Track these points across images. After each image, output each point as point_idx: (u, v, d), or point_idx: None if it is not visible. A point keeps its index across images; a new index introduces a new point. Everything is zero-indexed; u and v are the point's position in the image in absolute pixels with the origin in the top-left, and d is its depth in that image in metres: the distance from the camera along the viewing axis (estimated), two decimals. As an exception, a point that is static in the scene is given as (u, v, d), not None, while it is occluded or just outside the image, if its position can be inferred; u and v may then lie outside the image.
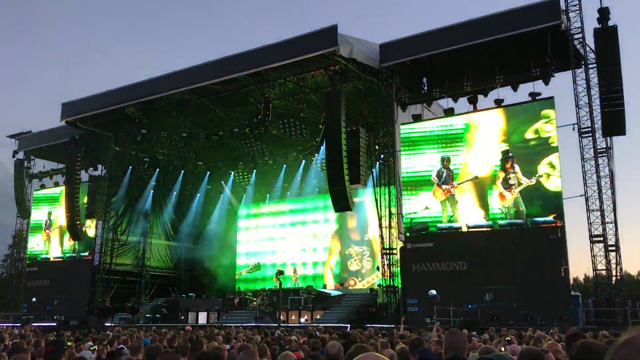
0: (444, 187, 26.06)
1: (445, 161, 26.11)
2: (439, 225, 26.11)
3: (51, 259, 39.13)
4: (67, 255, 38.15)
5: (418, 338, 6.81)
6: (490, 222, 24.92)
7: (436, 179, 26.24)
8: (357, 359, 2.00)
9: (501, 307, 22.84)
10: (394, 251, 26.42)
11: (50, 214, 39.70)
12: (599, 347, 2.76)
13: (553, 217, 23.25)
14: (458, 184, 25.79)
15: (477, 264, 24.53)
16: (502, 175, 24.80)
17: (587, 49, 23.60)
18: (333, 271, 35.79)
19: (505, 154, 24.77)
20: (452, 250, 25.42)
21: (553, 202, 23.49)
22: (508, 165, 24.64)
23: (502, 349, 8.57)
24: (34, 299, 37.54)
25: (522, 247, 23.74)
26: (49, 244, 39.51)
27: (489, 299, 23.27)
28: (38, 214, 40.76)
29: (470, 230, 25.31)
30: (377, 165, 29.83)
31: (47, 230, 39.79)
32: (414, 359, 5.57)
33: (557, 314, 21.44)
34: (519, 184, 24.25)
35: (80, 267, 36.65)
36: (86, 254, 36.68)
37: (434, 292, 23.07)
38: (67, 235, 37.48)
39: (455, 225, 25.79)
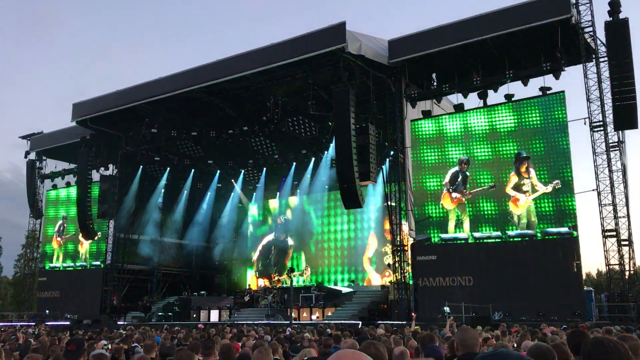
0: (454, 195, 25.19)
1: (464, 163, 25.34)
2: (442, 236, 25.35)
3: (61, 269, 39.31)
4: (79, 263, 38.28)
5: (429, 335, 6.80)
6: (499, 233, 24.06)
7: (448, 184, 25.44)
8: (335, 356, 2.00)
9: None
10: (405, 248, 26.36)
11: (65, 218, 39.88)
12: (612, 343, 2.74)
13: (569, 228, 22.57)
14: (471, 193, 24.88)
15: (484, 278, 23.79)
16: (514, 179, 23.94)
17: (598, 42, 23.40)
18: (372, 264, 35.02)
19: (518, 155, 24.09)
20: (457, 264, 24.64)
21: (568, 211, 22.79)
22: (523, 169, 23.80)
23: (515, 345, 8.54)
24: (47, 312, 36.82)
25: (533, 256, 23.03)
26: (60, 252, 39.72)
27: (498, 317, 21.85)
28: (52, 217, 40.90)
29: (476, 241, 24.60)
30: (387, 162, 29.76)
31: (58, 238, 40.00)
32: (422, 356, 5.56)
33: (570, 309, 21.29)
34: (534, 190, 23.42)
35: (91, 274, 36.90)
36: (98, 262, 36.84)
37: (447, 309, 22.09)
38: (79, 243, 37.85)
39: (460, 236, 24.97)
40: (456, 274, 24.48)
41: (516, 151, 24.29)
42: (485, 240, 24.52)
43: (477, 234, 24.63)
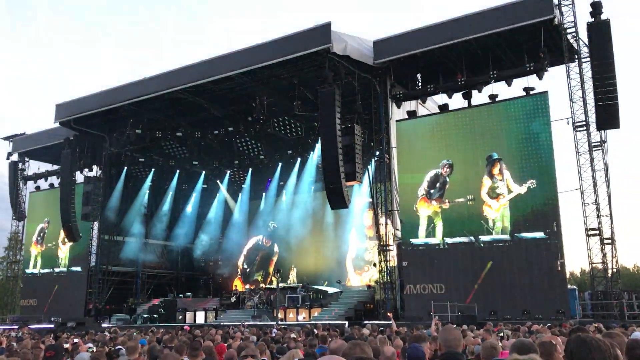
0: (432, 202, 24.86)
1: (446, 167, 25.04)
2: (413, 241, 25.13)
3: (39, 275, 38.85)
4: (58, 270, 37.85)
5: (419, 335, 6.80)
6: (471, 238, 23.78)
7: (426, 188, 25.15)
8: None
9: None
10: (390, 247, 26.40)
11: (47, 222, 39.31)
12: (594, 341, 2.76)
13: (544, 234, 22.39)
14: (450, 203, 24.50)
15: (457, 286, 23.59)
16: (487, 182, 23.71)
17: (581, 43, 23.64)
18: (353, 262, 35.12)
19: (489, 158, 23.94)
20: (428, 271, 24.41)
21: (548, 215, 22.56)
22: (495, 171, 23.64)
23: (500, 343, 8.58)
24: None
25: (511, 260, 22.91)
26: (39, 257, 39.28)
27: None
28: (35, 219, 40.45)
29: (448, 247, 24.32)
30: (373, 162, 29.83)
31: (38, 244, 39.55)
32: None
33: (554, 308, 21.45)
34: (509, 191, 23.27)
35: (73, 278, 36.54)
36: (79, 269, 36.50)
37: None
38: (58, 248, 37.51)
39: (431, 241, 24.71)
40: (427, 282, 24.27)
41: (494, 152, 24.19)
42: (457, 247, 24.17)
43: (449, 240, 24.45)
